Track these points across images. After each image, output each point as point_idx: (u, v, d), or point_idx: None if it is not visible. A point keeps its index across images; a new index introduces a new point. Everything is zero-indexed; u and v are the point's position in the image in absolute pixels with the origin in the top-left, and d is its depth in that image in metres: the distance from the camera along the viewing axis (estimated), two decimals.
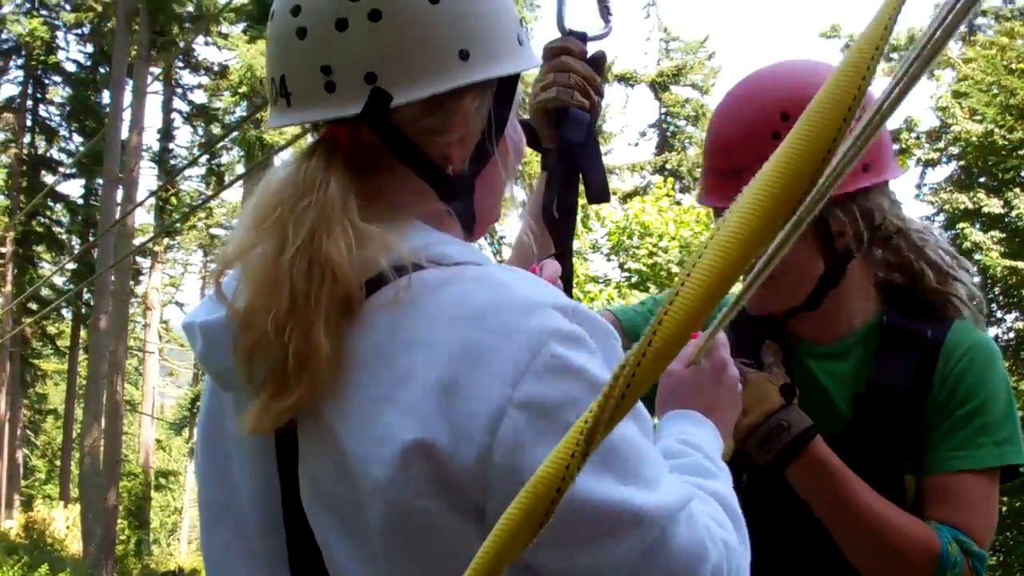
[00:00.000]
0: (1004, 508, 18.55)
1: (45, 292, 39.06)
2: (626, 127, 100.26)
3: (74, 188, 38.98)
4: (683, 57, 34.59)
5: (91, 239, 33.40)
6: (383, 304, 1.34)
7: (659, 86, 34.40)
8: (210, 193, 35.13)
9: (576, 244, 23.28)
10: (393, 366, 1.30)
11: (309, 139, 1.58)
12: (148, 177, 35.86)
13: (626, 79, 31.75)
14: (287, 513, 1.42)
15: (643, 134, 39.42)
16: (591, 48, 2.18)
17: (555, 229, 2.13)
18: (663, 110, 37.71)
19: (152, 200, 34.01)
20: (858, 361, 2.23)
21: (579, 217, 28.01)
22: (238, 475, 1.49)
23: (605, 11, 2.32)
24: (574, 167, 2.11)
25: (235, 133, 27.40)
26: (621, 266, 21.24)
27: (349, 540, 1.35)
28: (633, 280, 21.50)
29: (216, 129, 33.86)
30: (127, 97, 28.97)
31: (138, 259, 36.32)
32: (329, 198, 1.37)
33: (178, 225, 38.05)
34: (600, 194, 2.15)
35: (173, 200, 35.43)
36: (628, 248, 20.86)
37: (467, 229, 1.55)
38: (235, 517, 1.50)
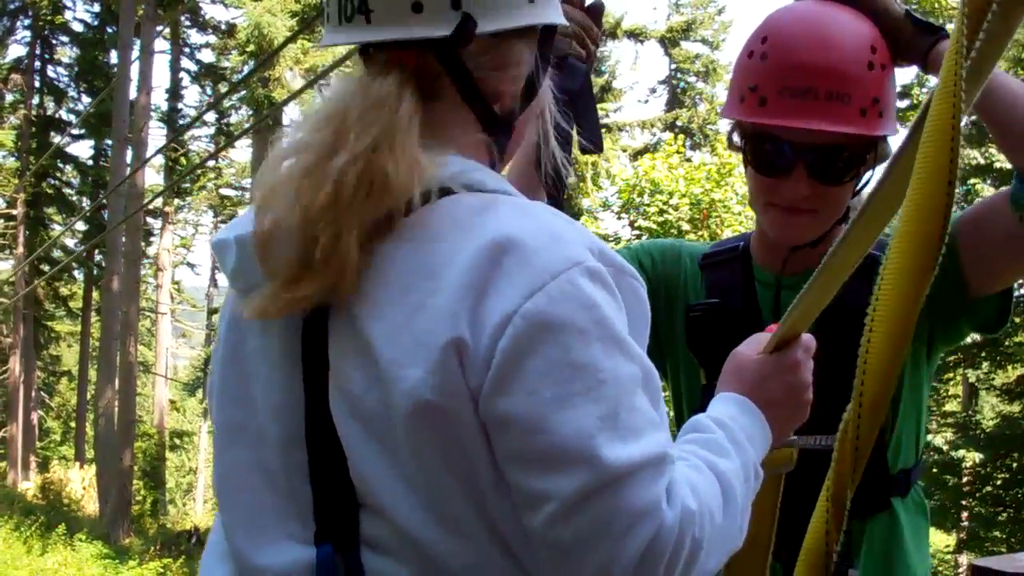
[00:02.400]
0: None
1: (57, 254, 39.16)
2: (636, 84, 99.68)
3: (84, 149, 39.04)
4: (693, 12, 34.38)
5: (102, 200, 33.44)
6: (423, 222, 1.39)
7: (669, 42, 34.28)
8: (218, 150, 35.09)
9: (586, 202, 23.19)
10: (430, 278, 1.34)
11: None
12: (157, 137, 35.84)
13: (635, 35, 31.57)
14: (310, 426, 1.44)
15: (653, 91, 39.34)
16: None
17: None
18: (673, 66, 37.56)
19: (162, 161, 34.04)
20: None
21: (589, 175, 28.14)
22: (259, 392, 1.51)
23: None
24: (570, 115, 2.07)
25: (242, 92, 27.37)
26: (631, 224, 21.10)
27: (377, 446, 1.37)
28: (644, 238, 21.41)
29: (224, 88, 33.75)
30: (135, 56, 28.88)
31: (149, 220, 36.37)
32: (400, 117, 1.41)
33: (188, 185, 38.06)
34: (594, 144, 2.16)
35: (183, 160, 35.42)
36: (638, 206, 20.72)
37: (499, 160, 1.60)
38: (253, 435, 1.52)
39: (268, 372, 1.50)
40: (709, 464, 1.47)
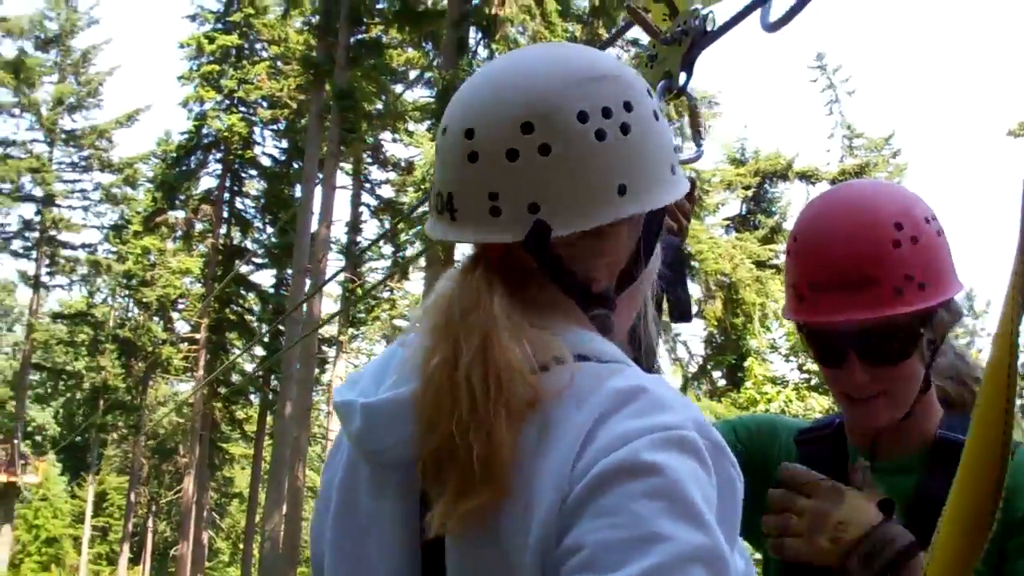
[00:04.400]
0: None
1: (236, 379, 40.38)
2: None
3: (266, 278, 40.36)
4: (867, 154, 33.91)
5: (280, 328, 34.47)
6: (548, 392, 1.38)
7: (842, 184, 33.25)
8: (392, 284, 35.88)
9: (753, 343, 22.75)
10: (546, 442, 1.35)
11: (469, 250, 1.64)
12: (337, 269, 36.90)
13: (807, 176, 31.30)
14: None
15: None
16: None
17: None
18: None
19: (340, 292, 34.95)
20: (920, 477, 2.18)
21: (756, 316, 27.84)
22: (375, 552, 1.50)
23: (697, 136, 2.44)
24: (661, 289, 2.06)
25: (418, 227, 28.03)
26: (800, 367, 20.75)
27: None
28: (812, 382, 21.02)
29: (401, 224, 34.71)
30: (318, 191, 29.99)
31: (324, 349, 37.29)
32: (496, 308, 1.42)
33: (362, 315, 38.98)
34: (684, 314, 2.18)
35: (358, 291, 36.41)
36: (807, 349, 20.41)
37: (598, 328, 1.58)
38: None
39: (384, 535, 1.49)
40: None
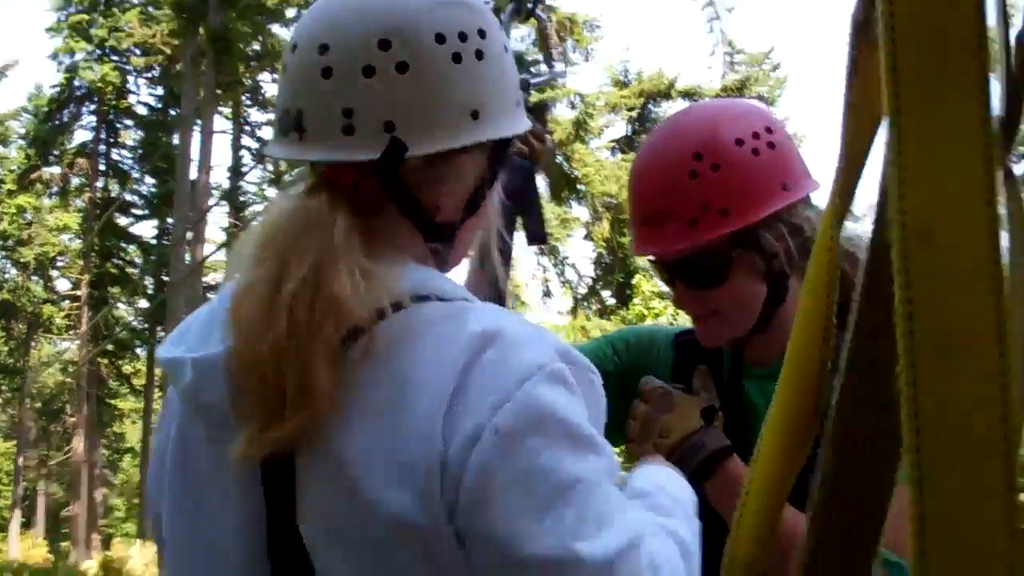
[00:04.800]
0: None
1: (122, 334, 39.69)
2: None
3: (147, 229, 39.59)
4: (748, 70, 34.07)
5: (164, 279, 34.03)
6: (391, 334, 1.37)
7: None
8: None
9: (640, 261, 23.11)
10: (406, 392, 1.34)
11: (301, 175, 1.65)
12: (221, 216, 36.47)
13: (690, 94, 31.16)
14: (273, 542, 1.41)
15: None
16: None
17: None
18: None
19: (224, 238, 34.54)
20: None
21: None
22: (217, 508, 1.48)
23: (548, 57, 2.54)
24: (513, 212, 2.19)
25: (299, 168, 27.78)
26: None
27: (354, 564, 1.36)
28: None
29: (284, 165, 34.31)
30: (196, 137, 29.60)
31: (209, 296, 36.73)
32: (336, 235, 1.40)
33: None
34: (538, 236, 2.30)
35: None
36: None
37: (442, 269, 1.60)
38: (211, 551, 1.49)
39: (226, 489, 1.46)
40: (664, 527, 1.50)
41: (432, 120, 1.47)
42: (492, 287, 2.02)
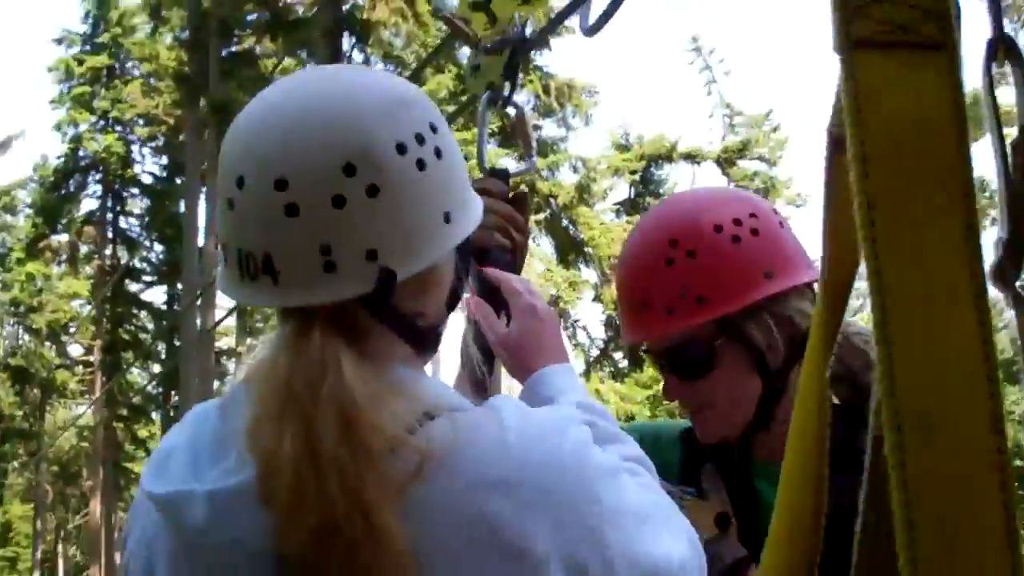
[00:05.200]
0: None
1: (136, 400, 39.79)
2: None
3: (157, 295, 39.56)
4: (748, 131, 33.87)
5: (176, 344, 34.09)
6: (437, 457, 1.30)
7: (726, 162, 33.31)
8: None
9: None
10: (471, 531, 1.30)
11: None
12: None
13: (692, 157, 31.59)
14: None
15: None
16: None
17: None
18: (732, 185, 35.68)
19: (233, 303, 34.54)
20: None
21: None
22: None
23: (528, 147, 2.42)
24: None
25: None
26: None
27: None
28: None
29: None
30: (202, 205, 29.83)
31: (223, 362, 36.89)
32: (348, 376, 1.32)
33: (261, 325, 38.62)
34: None
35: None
36: None
37: (423, 359, 1.56)
38: None
39: None
40: (627, 457, 1.57)
41: (413, 237, 1.39)
42: (477, 386, 1.95)
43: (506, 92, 2.41)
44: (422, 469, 1.28)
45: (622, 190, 31.90)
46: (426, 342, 1.52)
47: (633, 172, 30.96)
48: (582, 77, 30.62)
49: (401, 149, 1.38)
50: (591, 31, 2.60)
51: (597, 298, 28.58)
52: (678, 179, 31.85)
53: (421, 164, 1.39)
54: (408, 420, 1.32)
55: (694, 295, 2.02)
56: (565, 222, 27.87)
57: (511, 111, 2.45)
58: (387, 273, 1.36)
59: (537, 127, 28.36)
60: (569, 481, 1.34)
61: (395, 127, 1.39)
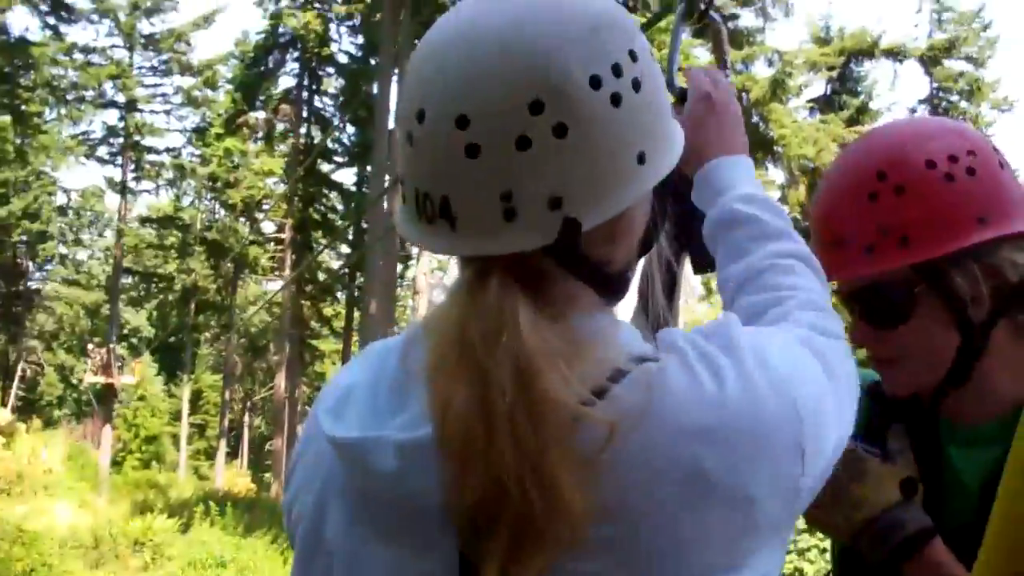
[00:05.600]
0: None
1: (322, 277, 40.86)
2: (895, 104, 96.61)
3: (348, 176, 40.58)
4: (956, 29, 32.93)
5: (364, 226, 34.69)
6: (621, 414, 1.19)
7: (930, 60, 32.86)
8: None
9: None
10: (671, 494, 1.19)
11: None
12: None
13: (894, 54, 30.72)
14: None
15: (913, 111, 37.37)
16: None
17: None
18: (935, 85, 35.81)
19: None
20: (1006, 448, 1.97)
21: None
22: None
23: (723, 64, 2.18)
24: (679, 248, 2.07)
25: None
26: None
27: None
28: None
29: None
30: (394, 86, 29.87)
31: (406, 245, 37.54)
32: (526, 332, 1.22)
33: None
34: (705, 263, 2.03)
35: None
36: None
37: (610, 304, 1.44)
38: None
39: None
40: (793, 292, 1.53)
41: (601, 183, 1.27)
42: (655, 329, 1.77)
43: (703, 3, 2.17)
44: (612, 437, 1.17)
45: (818, 87, 31.58)
46: (615, 288, 1.42)
47: (831, 68, 30.34)
48: None
49: (595, 83, 1.24)
50: None
51: (783, 199, 28.12)
52: (878, 77, 31.65)
53: (616, 99, 1.25)
54: (595, 382, 1.21)
55: (898, 235, 1.88)
56: (756, 118, 27.09)
57: (716, 19, 2.20)
58: (571, 223, 1.25)
59: (735, 16, 27.81)
60: (782, 433, 1.25)
61: (590, 57, 1.25)
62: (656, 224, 1.45)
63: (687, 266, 2.16)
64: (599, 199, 1.26)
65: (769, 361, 1.29)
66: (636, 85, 1.28)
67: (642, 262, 1.58)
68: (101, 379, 39.33)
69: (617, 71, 1.26)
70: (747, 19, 29.52)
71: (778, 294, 1.53)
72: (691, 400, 1.22)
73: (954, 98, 35.62)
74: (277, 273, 42.24)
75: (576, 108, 1.22)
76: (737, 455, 1.21)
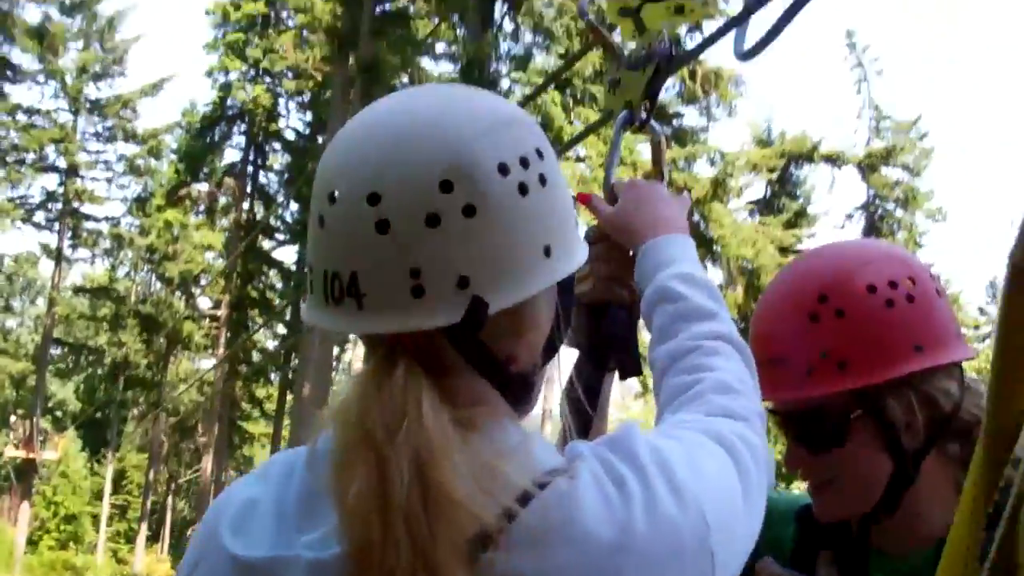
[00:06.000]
0: None
1: (257, 358, 40.45)
2: (831, 209, 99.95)
3: (289, 255, 40.46)
4: (894, 137, 34.28)
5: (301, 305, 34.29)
6: (527, 531, 1.20)
7: (868, 167, 33.99)
8: None
9: None
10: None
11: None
12: None
13: (833, 159, 31.75)
14: None
15: (850, 216, 38.88)
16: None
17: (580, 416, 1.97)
18: (871, 192, 36.91)
19: None
20: None
21: None
22: None
23: (660, 175, 2.20)
24: (604, 364, 2.07)
25: None
26: None
27: None
28: None
29: None
30: None
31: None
32: (428, 427, 1.22)
33: None
34: (633, 370, 2.08)
35: None
36: None
37: (519, 412, 1.42)
38: None
39: None
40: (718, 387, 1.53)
41: (509, 267, 1.30)
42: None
43: (644, 114, 2.25)
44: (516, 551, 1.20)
45: (758, 188, 32.37)
46: (519, 392, 1.41)
47: (771, 170, 31.12)
48: (729, 66, 30.89)
49: (503, 169, 1.30)
50: (746, 56, 2.58)
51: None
52: (816, 182, 32.91)
53: (523, 188, 1.32)
54: (504, 503, 1.22)
55: (836, 359, 1.89)
56: (696, 217, 27.55)
57: (656, 130, 2.28)
58: (478, 302, 1.28)
59: (707, 91, 28.62)
60: (688, 549, 1.26)
61: (499, 146, 1.32)
62: (560, 328, 1.44)
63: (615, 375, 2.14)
64: (506, 283, 1.29)
65: (676, 475, 1.27)
66: (543, 180, 1.33)
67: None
68: (22, 453, 38.70)
69: (524, 163, 1.31)
70: (691, 118, 30.37)
71: (699, 375, 1.54)
72: (602, 518, 1.20)
73: (890, 206, 36.83)
74: (210, 351, 41.79)
75: (484, 190, 1.26)
76: (652, 566, 1.20)
